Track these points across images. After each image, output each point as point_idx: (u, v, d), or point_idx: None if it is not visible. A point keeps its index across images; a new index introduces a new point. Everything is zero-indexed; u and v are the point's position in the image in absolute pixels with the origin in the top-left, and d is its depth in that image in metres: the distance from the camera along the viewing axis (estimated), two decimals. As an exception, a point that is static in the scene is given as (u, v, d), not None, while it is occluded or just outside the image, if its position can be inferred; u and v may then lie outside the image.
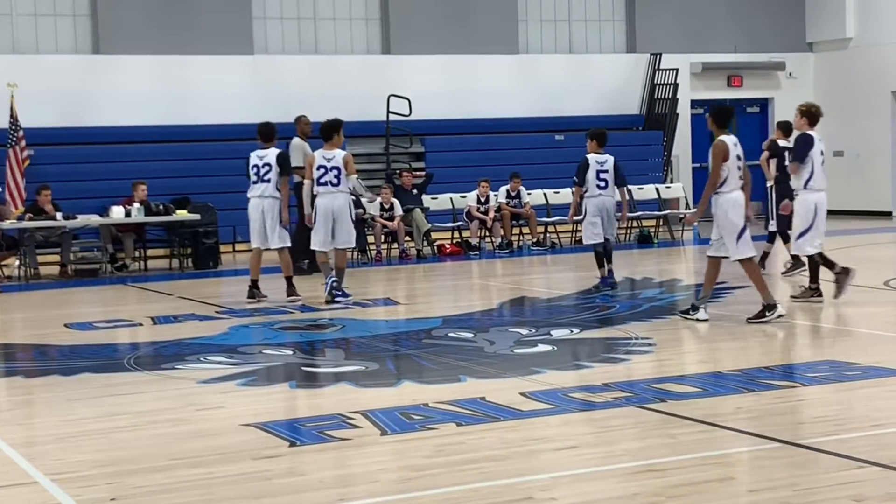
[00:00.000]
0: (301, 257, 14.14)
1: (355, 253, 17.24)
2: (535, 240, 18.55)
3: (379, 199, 17.58)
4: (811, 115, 11.12)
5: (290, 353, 9.44)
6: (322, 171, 12.21)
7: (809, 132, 11.05)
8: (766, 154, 13.74)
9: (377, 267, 16.84)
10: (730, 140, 10.21)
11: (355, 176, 12.36)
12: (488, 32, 21.72)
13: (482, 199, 18.41)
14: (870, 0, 23.03)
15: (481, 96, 21.49)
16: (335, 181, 12.18)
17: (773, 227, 13.84)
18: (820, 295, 11.23)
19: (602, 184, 12.67)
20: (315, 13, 21.10)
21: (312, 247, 12.48)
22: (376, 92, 20.15)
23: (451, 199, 19.17)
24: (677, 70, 22.39)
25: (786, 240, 13.20)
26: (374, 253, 17.41)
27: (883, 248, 17.31)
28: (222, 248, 17.75)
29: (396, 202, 17.69)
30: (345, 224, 12.26)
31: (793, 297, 11.39)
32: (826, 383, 7.57)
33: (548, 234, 18.94)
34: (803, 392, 7.34)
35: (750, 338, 9.55)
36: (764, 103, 24.27)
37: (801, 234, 11.20)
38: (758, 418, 6.63)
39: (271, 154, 12.57)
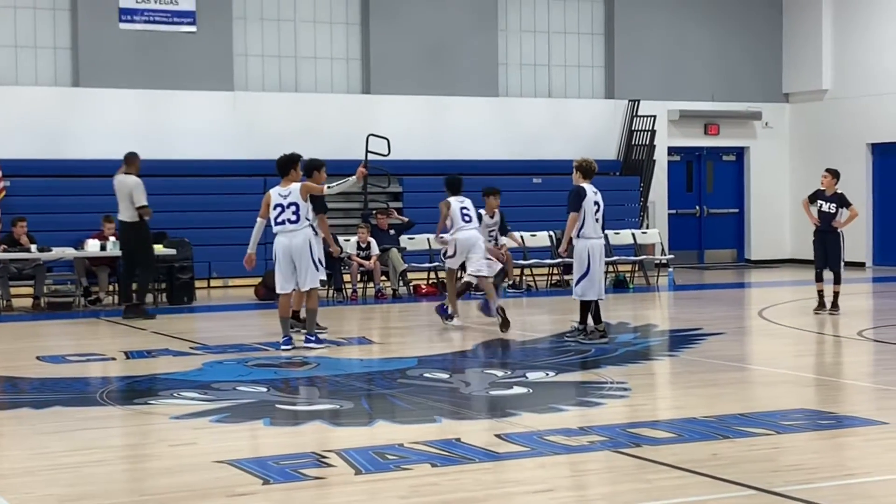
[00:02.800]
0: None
1: (331, 291, 17.23)
2: (511, 282, 18.57)
3: (356, 238, 17.62)
4: (584, 169, 12.09)
5: (265, 390, 9.39)
6: (279, 209, 11.70)
7: (583, 184, 11.95)
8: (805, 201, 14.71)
9: (353, 306, 16.82)
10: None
11: (333, 185, 11.93)
12: (468, 75, 21.85)
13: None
14: (845, 53, 23.33)
15: (460, 138, 21.59)
16: (293, 218, 11.61)
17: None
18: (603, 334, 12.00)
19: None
20: (296, 52, 21.18)
21: (277, 290, 11.86)
22: (355, 131, 20.21)
23: (427, 239, 19.17)
24: (655, 117, 22.57)
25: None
26: (349, 292, 17.38)
27: (857, 298, 17.41)
28: (197, 283, 17.70)
29: (373, 241, 17.70)
30: (306, 264, 11.64)
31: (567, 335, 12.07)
32: (800, 431, 7.59)
33: (524, 277, 18.97)
34: (777, 440, 7.35)
35: (724, 384, 9.58)
36: (740, 152, 24.48)
37: (579, 280, 11.88)
38: (732, 465, 6.63)
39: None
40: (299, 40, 21.19)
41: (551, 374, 10.11)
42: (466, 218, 13.46)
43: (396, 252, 17.82)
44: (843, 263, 14.53)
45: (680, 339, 12.51)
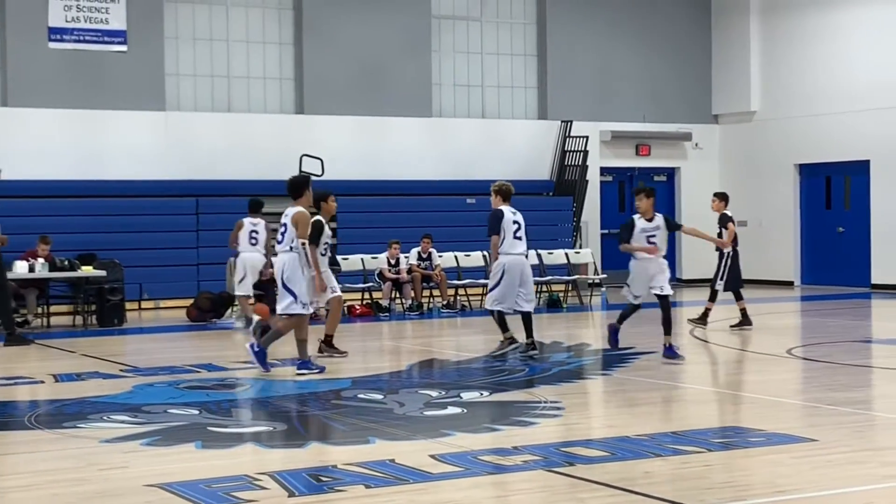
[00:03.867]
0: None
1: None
2: (445, 302, 18.60)
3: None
4: (503, 192, 12.55)
5: (197, 412, 9.29)
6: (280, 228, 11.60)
7: (501, 207, 12.42)
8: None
9: (286, 327, 16.68)
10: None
11: (320, 249, 11.79)
12: (402, 95, 21.89)
13: (392, 261, 18.43)
14: (773, 75, 23.72)
15: (394, 158, 21.61)
16: (280, 239, 11.52)
17: (719, 286, 14.92)
18: (516, 342, 12.48)
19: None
20: (229, 71, 21.08)
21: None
22: (289, 151, 20.14)
23: (361, 259, 19.15)
24: (587, 137, 22.77)
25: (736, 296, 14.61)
26: (283, 313, 17.25)
27: (785, 316, 17.68)
28: (128, 305, 17.49)
29: (307, 262, 17.59)
30: (279, 287, 11.47)
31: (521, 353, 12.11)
32: (730, 449, 7.67)
33: (458, 297, 18.99)
34: (708, 457, 7.42)
35: (657, 403, 9.66)
36: (671, 172, 24.76)
37: (491, 291, 12.47)
38: (664, 483, 6.68)
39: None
40: (232, 60, 21.10)
41: (486, 393, 10.12)
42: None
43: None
44: (717, 280, 15.02)
45: (613, 358, 12.59)
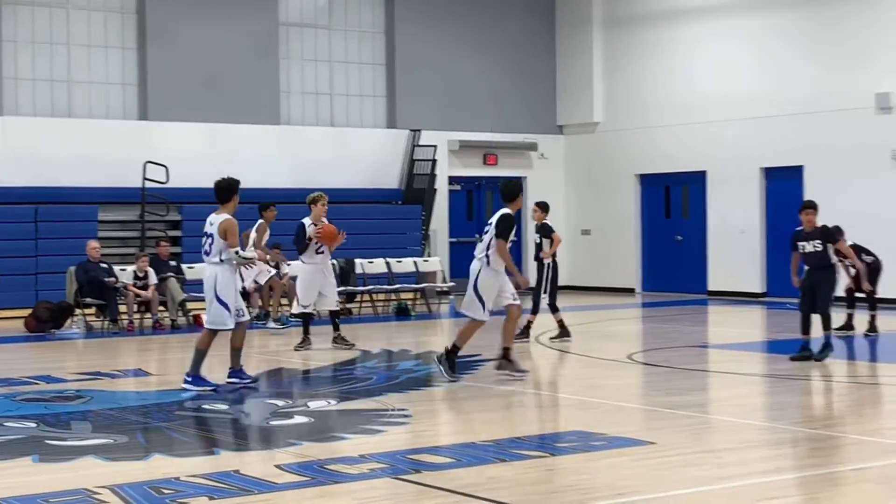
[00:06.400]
0: None
1: (105, 322, 16.74)
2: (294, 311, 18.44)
3: (133, 268, 17.18)
4: (310, 202, 14.05)
5: (34, 425, 9.02)
6: (204, 237, 11.03)
7: (304, 221, 13.80)
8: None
9: (129, 337, 16.35)
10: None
11: (243, 253, 11.13)
12: (249, 102, 21.67)
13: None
14: (615, 87, 24.30)
15: (241, 165, 21.25)
16: (207, 250, 11.00)
17: (545, 299, 14.76)
18: (310, 343, 13.68)
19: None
20: (69, 76, 20.53)
21: None
22: (132, 158, 19.74)
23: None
24: (436, 147, 22.93)
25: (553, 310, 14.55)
26: (125, 322, 16.90)
27: (627, 323, 18.10)
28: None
29: (151, 271, 17.28)
30: (209, 299, 10.91)
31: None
32: (573, 453, 7.81)
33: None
34: (552, 461, 7.55)
35: (503, 409, 9.78)
36: (518, 181, 25.08)
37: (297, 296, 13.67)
38: (509, 488, 6.77)
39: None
40: (73, 64, 20.56)
41: (333, 402, 10.09)
42: None
43: (175, 281, 17.46)
44: (540, 291, 14.78)
45: (460, 366, 12.67)
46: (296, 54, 22.69)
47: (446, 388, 11.30)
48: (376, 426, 8.89)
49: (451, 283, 21.33)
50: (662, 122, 23.29)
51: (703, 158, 22.61)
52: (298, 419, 9.24)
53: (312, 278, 14.00)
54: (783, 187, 21.51)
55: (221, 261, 10.87)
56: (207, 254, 10.97)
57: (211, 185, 22.04)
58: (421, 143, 23.04)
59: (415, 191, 22.87)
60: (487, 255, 11.16)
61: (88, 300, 16.87)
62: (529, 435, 8.41)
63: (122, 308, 17.03)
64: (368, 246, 20.33)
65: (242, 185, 21.26)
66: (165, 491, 6.70)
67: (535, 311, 14.80)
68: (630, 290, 23.74)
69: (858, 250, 14.70)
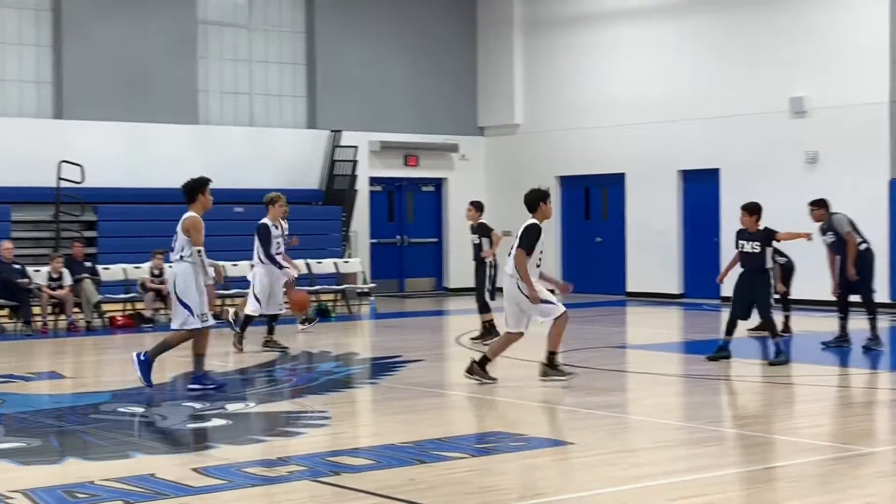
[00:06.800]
0: None
1: (18, 324, 16.43)
2: (212, 312, 18.23)
3: (47, 269, 16.89)
4: (268, 202, 14.12)
5: (-57, 430, 8.81)
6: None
7: (267, 221, 13.99)
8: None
9: (43, 339, 16.07)
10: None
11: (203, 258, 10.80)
12: (167, 101, 21.40)
13: (156, 272, 17.97)
14: (536, 89, 24.44)
15: (158, 165, 21.07)
16: (173, 246, 10.80)
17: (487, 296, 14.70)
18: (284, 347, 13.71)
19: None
20: (-19, 72, 20.13)
21: None
22: (47, 157, 19.38)
23: (123, 269, 18.62)
24: (357, 147, 22.86)
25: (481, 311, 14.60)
26: (39, 324, 16.59)
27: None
28: None
29: (66, 272, 16.99)
30: (173, 300, 10.80)
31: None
32: (493, 454, 7.84)
33: (225, 307, 18.70)
34: (471, 463, 7.57)
35: (423, 410, 9.78)
36: (438, 183, 25.14)
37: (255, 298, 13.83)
38: (428, 489, 6.77)
39: None
40: (-15, 61, 20.15)
41: (252, 404, 10.01)
42: None
43: (90, 283, 17.19)
44: (484, 291, 14.70)
45: (381, 367, 12.69)
46: (215, 53, 22.46)
47: (366, 389, 11.28)
48: (295, 428, 8.84)
49: (372, 284, 21.30)
50: (583, 125, 23.47)
51: (622, 161, 22.83)
52: (216, 422, 9.15)
53: (270, 280, 13.91)
54: (700, 190, 21.81)
55: (182, 258, 10.68)
56: (171, 251, 10.81)
57: (127, 185, 21.82)
58: (341, 143, 22.96)
59: (335, 192, 22.78)
60: (518, 270, 10.78)
61: (1, 301, 16.56)
62: (449, 436, 8.41)
63: (36, 310, 16.72)
64: (288, 247, 20.17)
65: (159, 185, 21.18)
66: (80, 495, 6.59)
67: (485, 310, 14.67)
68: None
69: (773, 252, 14.92)
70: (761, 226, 12.45)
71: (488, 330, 14.46)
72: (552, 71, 24.09)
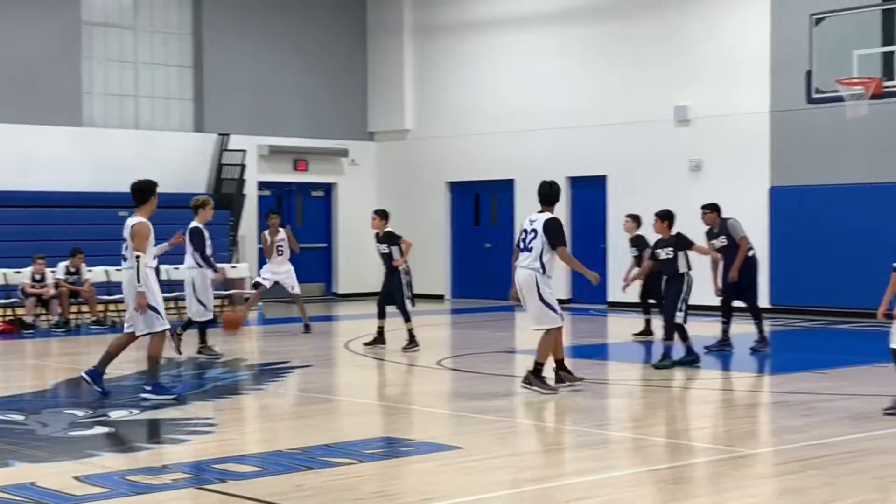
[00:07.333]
0: None
1: None
2: (94, 318, 17.91)
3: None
4: (198, 206, 14.11)
5: None
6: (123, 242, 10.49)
7: (198, 224, 13.97)
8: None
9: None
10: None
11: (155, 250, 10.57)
12: (50, 103, 20.93)
13: (37, 277, 17.55)
14: (426, 95, 24.50)
15: (40, 167, 20.60)
16: (124, 254, 10.50)
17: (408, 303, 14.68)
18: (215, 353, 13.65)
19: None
20: None
21: None
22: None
23: (3, 274, 18.14)
24: (245, 151, 22.63)
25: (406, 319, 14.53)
26: (-86, 331, 16.08)
27: (436, 329, 18.23)
28: None
29: (-58, 276, 16.50)
30: (133, 307, 10.45)
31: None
32: (382, 459, 7.82)
33: (108, 313, 18.35)
34: (360, 468, 7.53)
35: (311, 415, 9.70)
36: (328, 187, 25.02)
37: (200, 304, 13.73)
38: (315, 496, 6.72)
39: None
40: None
41: (136, 412, 9.82)
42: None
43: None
44: (404, 299, 14.65)
45: (268, 373, 12.57)
46: (99, 54, 22.04)
47: (253, 395, 11.16)
48: (181, 435, 8.70)
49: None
50: (472, 131, 23.60)
51: (511, 167, 22.99)
52: (99, 429, 8.96)
53: (205, 283, 13.71)
54: (588, 196, 22.08)
55: (132, 267, 10.36)
56: (125, 259, 10.46)
57: (8, 188, 21.30)
58: (229, 147, 22.71)
59: (223, 196, 22.49)
60: (543, 264, 10.59)
61: None
62: (338, 442, 8.36)
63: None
64: (175, 251, 19.86)
65: (43, 188, 20.70)
66: (-46, 507, 6.39)
67: (407, 318, 14.53)
68: (440, 297, 23.95)
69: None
70: (674, 231, 12.65)
71: (411, 338, 14.36)
72: (443, 77, 24.17)
